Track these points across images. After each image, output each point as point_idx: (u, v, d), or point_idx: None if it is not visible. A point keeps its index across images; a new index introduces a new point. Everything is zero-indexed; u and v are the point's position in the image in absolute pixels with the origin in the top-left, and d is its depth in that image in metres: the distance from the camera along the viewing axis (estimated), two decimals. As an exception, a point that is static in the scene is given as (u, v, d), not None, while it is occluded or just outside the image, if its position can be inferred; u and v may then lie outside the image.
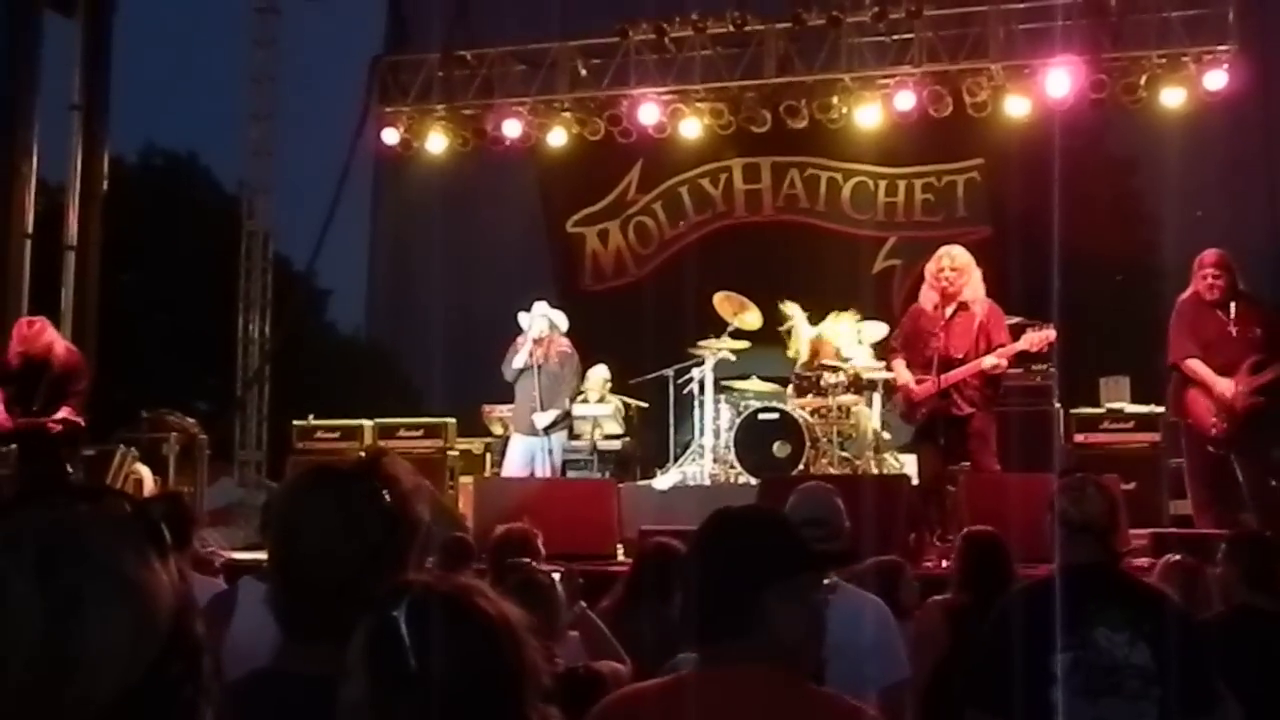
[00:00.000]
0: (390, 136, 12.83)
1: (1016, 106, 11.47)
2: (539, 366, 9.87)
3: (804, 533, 2.35)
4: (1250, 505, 7.47)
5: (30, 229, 9.59)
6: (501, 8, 13.30)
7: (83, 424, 8.66)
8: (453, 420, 11.27)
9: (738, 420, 10.00)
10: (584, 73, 12.37)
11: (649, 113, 12.07)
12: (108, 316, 10.57)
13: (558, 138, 12.61)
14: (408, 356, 16.87)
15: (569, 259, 14.02)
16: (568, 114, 12.49)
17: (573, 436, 10.69)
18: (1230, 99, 11.02)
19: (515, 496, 8.47)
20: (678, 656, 2.99)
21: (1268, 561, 4.24)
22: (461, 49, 12.67)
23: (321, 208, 12.09)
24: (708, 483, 10.17)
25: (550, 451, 10.01)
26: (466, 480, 10.75)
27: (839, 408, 9.88)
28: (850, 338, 10.21)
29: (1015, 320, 8.41)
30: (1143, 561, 6.31)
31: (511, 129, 12.50)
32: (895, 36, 11.68)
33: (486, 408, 11.57)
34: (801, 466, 9.49)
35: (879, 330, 10.24)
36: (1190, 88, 11.06)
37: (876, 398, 10.14)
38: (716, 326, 10.54)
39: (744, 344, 10.54)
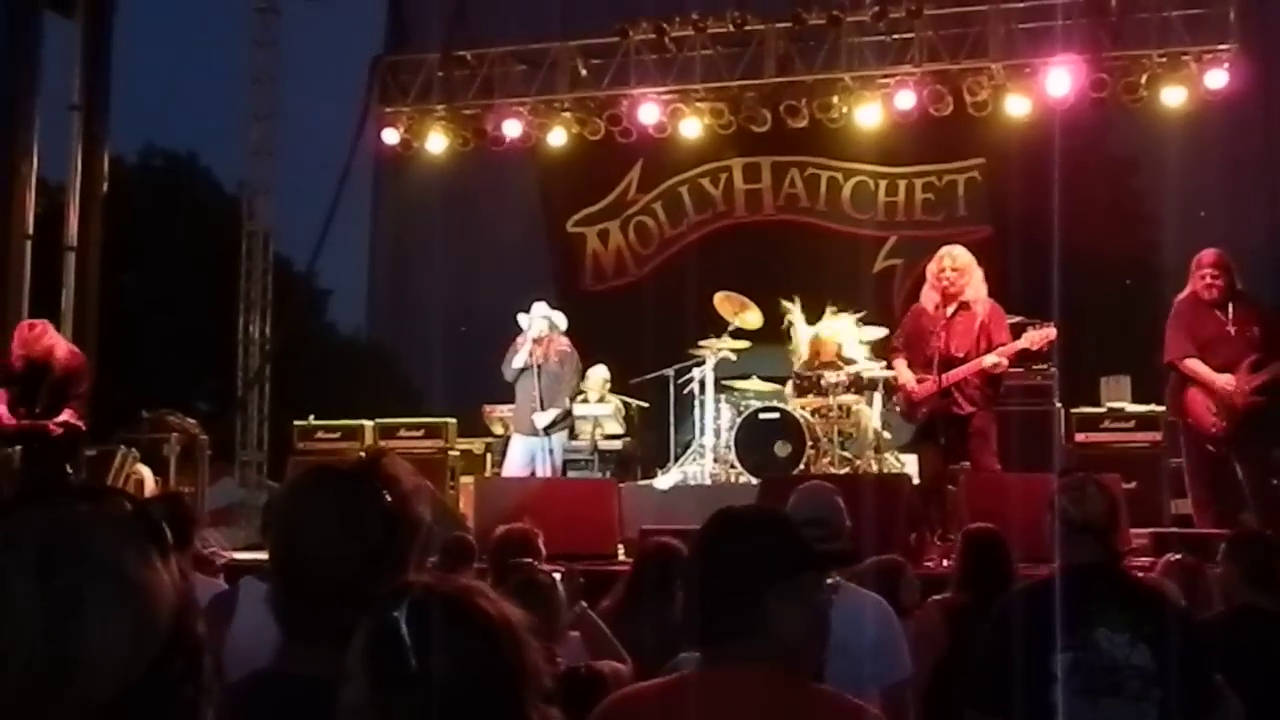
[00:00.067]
0: (390, 136, 12.83)
1: (1017, 106, 11.47)
2: (539, 366, 9.87)
3: (805, 532, 2.34)
4: (1251, 504, 7.48)
5: (30, 229, 9.59)
6: (501, 8, 13.30)
7: (83, 427, 8.66)
8: (453, 420, 11.27)
9: (738, 420, 10.00)
10: (584, 72, 12.37)
11: (649, 112, 12.07)
12: (108, 317, 10.57)
13: (558, 138, 12.61)
14: (408, 357, 16.86)
15: (569, 259, 14.02)
16: (568, 114, 12.49)
17: (573, 436, 10.69)
18: (1231, 98, 11.01)
19: (516, 496, 8.47)
20: (679, 656, 2.99)
21: (1269, 561, 4.24)
22: (461, 49, 12.67)
23: (322, 208, 12.11)
24: (708, 482, 10.17)
25: (551, 451, 10.02)
26: (467, 480, 10.75)
27: (839, 407, 9.88)
28: (850, 337, 10.21)
29: (1016, 319, 8.41)
30: (1144, 561, 6.30)
31: (512, 129, 12.50)
32: (895, 36, 11.68)
33: (487, 408, 11.57)
34: (802, 466, 9.48)
35: (876, 331, 10.24)
36: (1191, 87, 11.06)
37: (877, 397, 10.13)
38: (717, 326, 10.53)
39: (744, 344, 10.54)
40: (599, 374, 10.84)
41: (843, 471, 9.43)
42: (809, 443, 9.62)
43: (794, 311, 10.44)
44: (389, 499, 1.90)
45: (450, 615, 1.63)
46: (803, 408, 9.88)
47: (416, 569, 1.91)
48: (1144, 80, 11.14)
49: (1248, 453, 7.67)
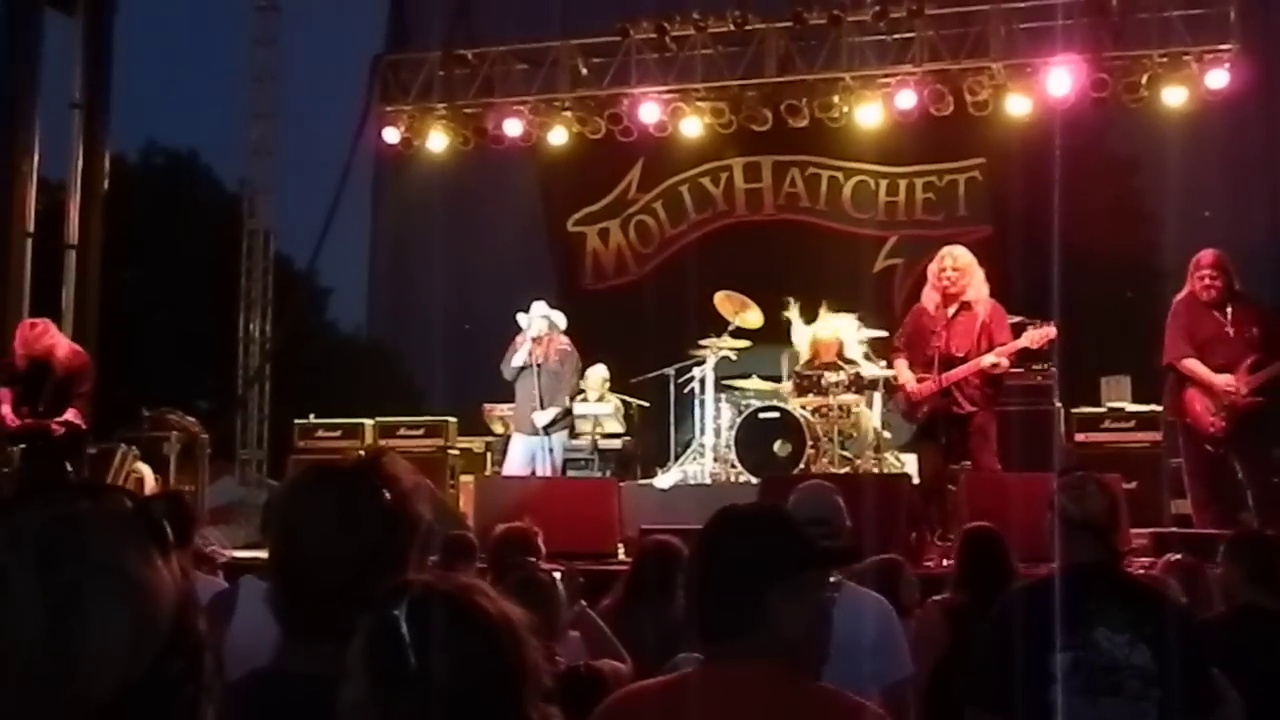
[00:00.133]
0: (391, 135, 12.83)
1: (1018, 105, 11.47)
2: (538, 365, 9.88)
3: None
4: (1252, 504, 7.48)
5: (31, 227, 9.59)
6: (502, 7, 13.30)
7: (84, 427, 8.67)
8: (453, 419, 11.28)
9: (738, 419, 10.00)
10: (585, 72, 12.37)
11: (650, 111, 12.07)
12: (108, 315, 10.57)
13: (558, 137, 12.61)
14: (408, 355, 16.86)
15: (570, 258, 14.02)
16: (568, 113, 12.49)
17: (574, 435, 10.69)
18: (1232, 98, 11.01)
19: (516, 495, 8.47)
20: (677, 657, 3.00)
21: (1271, 560, 4.24)
22: (462, 48, 12.67)
23: (322, 206, 12.10)
24: (708, 482, 10.18)
25: (551, 450, 10.02)
26: (467, 479, 10.76)
27: (840, 407, 9.88)
28: (850, 337, 10.21)
29: (1016, 319, 8.41)
30: (1144, 561, 6.30)
31: (512, 128, 12.50)
32: (896, 35, 11.68)
33: (487, 407, 11.57)
34: (802, 466, 9.48)
35: (876, 331, 10.24)
36: (1192, 87, 11.05)
37: (877, 397, 10.14)
38: (717, 325, 10.53)
39: (745, 343, 10.54)
40: (598, 373, 10.84)
41: (843, 471, 9.43)
42: (809, 442, 9.62)
43: (792, 312, 10.44)
44: (389, 497, 1.90)
45: (450, 613, 1.63)
46: (803, 407, 9.88)
47: (416, 567, 1.90)
48: (1145, 80, 11.14)
49: (1248, 452, 7.67)
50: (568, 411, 10.30)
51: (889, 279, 12.86)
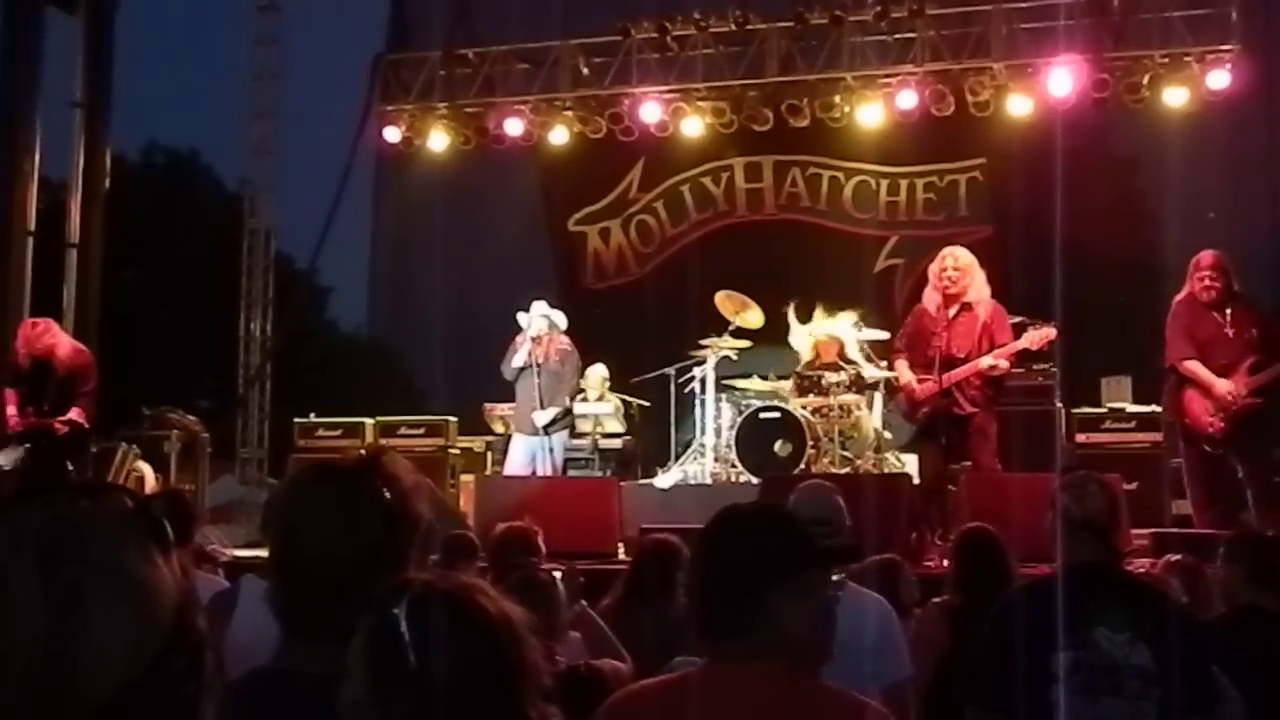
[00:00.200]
0: (392, 135, 12.83)
1: (1019, 106, 11.47)
2: (538, 365, 9.88)
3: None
4: (1253, 504, 7.47)
5: (32, 226, 9.56)
6: (503, 6, 13.30)
7: (87, 426, 8.68)
8: (454, 419, 11.28)
9: (739, 419, 10.00)
10: (586, 71, 12.37)
11: (651, 111, 12.07)
12: (109, 314, 10.55)
13: (559, 136, 12.61)
14: (409, 355, 16.87)
15: (570, 257, 14.02)
16: (569, 112, 12.49)
17: (574, 435, 10.70)
18: (1233, 99, 11.01)
19: (516, 495, 8.48)
20: (674, 660, 3.00)
21: (1272, 560, 4.24)
22: (463, 47, 12.68)
23: (323, 206, 12.09)
24: (709, 481, 10.18)
25: (551, 450, 10.02)
26: (468, 479, 10.76)
27: (840, 407, 9.88)
28: (851, 337, 10.20)
29: (1017, 320, 8.40)
30: (1144, 562, 6.30)
31: (513, 127, 12.50)
32: (897, 35, 11.69)
33: (487, 406, 11.57)
34: (803, 466, 9.48)
35: (875, 332, 10.24)
36: (1193, 87, 11.05)
37: (878, 397, 10.14)
38: (718, 325, 10.53)
39: (745, 343, 10.54)
40: (598, 372, 10.84)
41: (843, 471, 9.43)
42: (809, 442, 9.62)
43: (790, 316, 10.43)
44: (389, 497, 1.90)
45: (450, 613, 1.63)
46: (803, 407, 9.88)
47: (417, 566, 1.90)
48: (1146, 80, 11.13)
49: (1248, 453, 7.66)
50: (568, 411, 10.31)
51: (890, 279, 12.87)
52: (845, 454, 9.84)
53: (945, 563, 6.96)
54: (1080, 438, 9.70)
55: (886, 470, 9.79)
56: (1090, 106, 11.29)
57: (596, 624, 4.45)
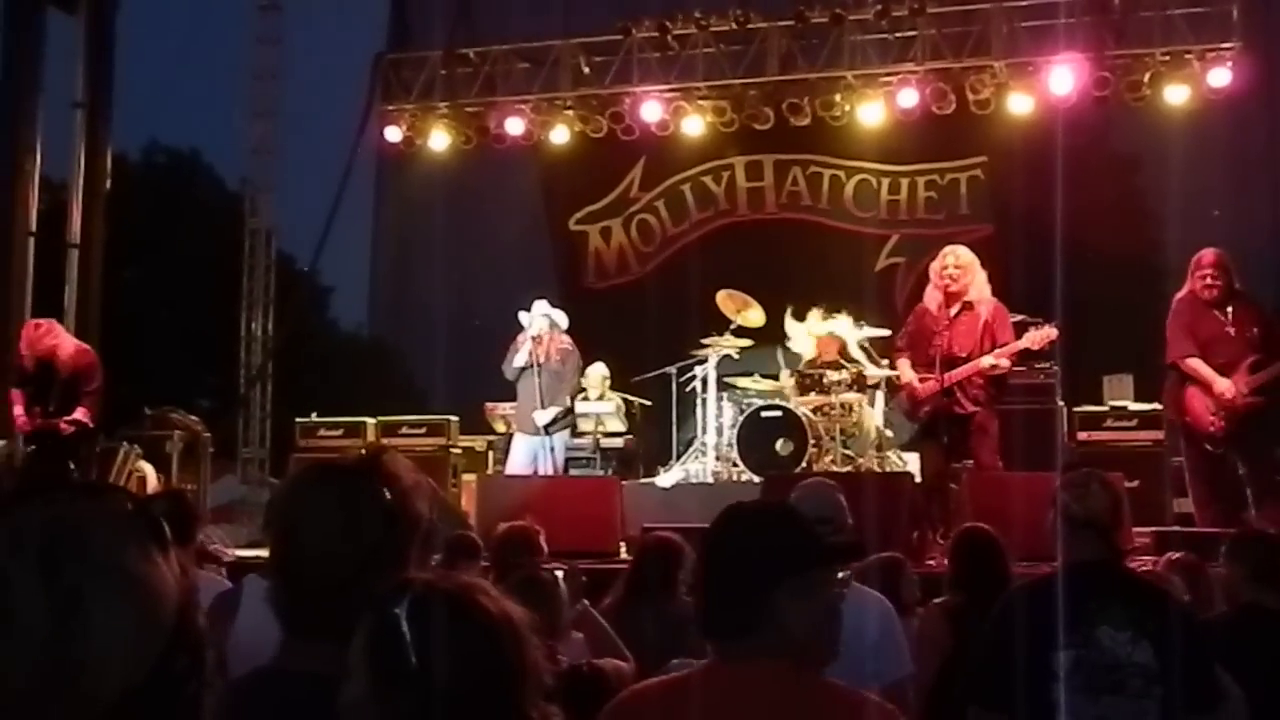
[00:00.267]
0: (393, 134, 12.84)
1: (1020, 104, 11.47)
2: (539, 365, 9.88)
3: (809, 529, 2.33)
4: (1253, 503, 7.47)
5: (33, 226, 9.59)
6: (504, 5, 13.31)
7: (92, 425, 8.70)
8: (455, 418, 11.27)
9: (740, 418, 10.00)
10: (587, 70, 12.37)
11: (651, 110, 12.07)
12: (110, 314, 10.57)
13: (560, 135, 12.62)
14: (410, 354, 16.87)
15: (571, 257, 14.02)
16: (570, 111, 12.49)
17: (576, 434, 10.70)
18: (1234, 97, 11.01)
19: (518, 494, 8.48)
20: (671, 663, 3.00)
21: (1274, 559, 4.23)
22: (464, 47, 12.68)
23: (324, 205, 12.10)
24: (710, 480, 10.18)
25: (553, 449, 10.02)
26: (469, 478, 10.75)
27: (842, 405, 9.87)
28: (851, 336, 10.20)
29: (1018, 318, 8.40)
30: (1146, 560, 6.30)
31: (514, 127, 12.50)
32: (898, 34, 11.68)
33: (489, 405, 11.57)
34: (804, 464, 9.48)
35: (876, 331, 10.24)
36: (1194, 85, 11.05)
37: (879, 395, 10.14)
38: (719, 324, 10.53)
39: (746, 342, 10.54)
40: (598, 371, 10.83)
41: (845, 470, 9.42)
42: (811, 441, 9.62)
43: (787, 318, 10.43)
44: (389, 496, 1.90)
45: (451, 612, 1.63)
46: (805, 406, 9.88)
47: (419, 566, 1.90)
48: (1147, 79, 11.13)
49: (1249, 452, 7.66)
50: (569, 410, 10.31)
51: (891, 278, 12.86)
52: (847, 452, 9.84)
53: (947, 562, 6.97)
54: (1082, 436, 9.69)
55: (888, 469, 9.79)
56: (1091, 105, 11.29)
57: (599, 623, 4.45)
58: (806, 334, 10.26)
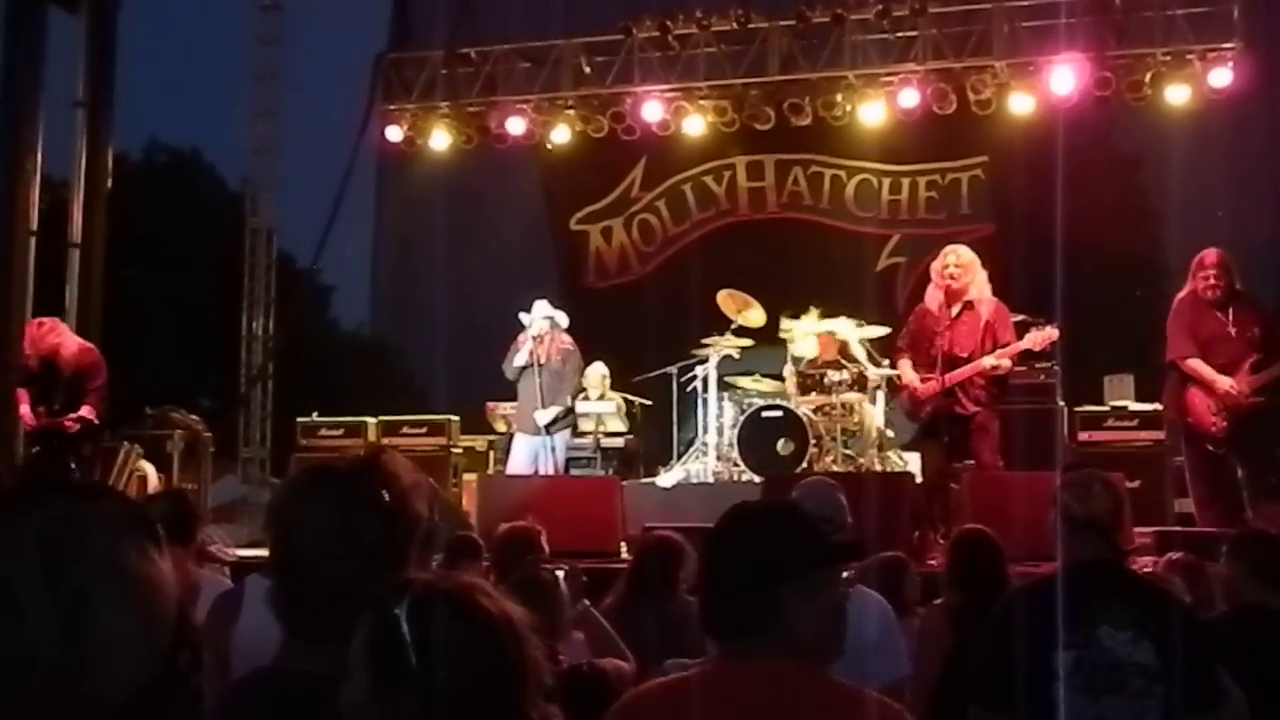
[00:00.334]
0: (394, 134, 12.84)
1: (1021, 104, 11.47)
2: (540, 365, 9.88)
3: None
4: (1250, 504, 7.47)
5: (34, 226, 9.57)
6: (505, 5, 13.32)
7: (97, 422, 8.72)
8: (456, 418, 11.28)
9: (741, 418, 10.00)
10: (588, 70, 12.37)
11: (653, 110, 12.07)
12: (111, 313, 10.55)
13: (561, 135, 12.62)
14: (411, 354, 16.87)
15: (572, 256, 14.03)
16: (571, 111, 12.49)
17: (576, 434, 10.70)
18: (1235, 97, 11.00)
19: (519, 494, 8.48)
20: (666, 664, 3.00)
21: (1275, 559, 4.23)
22: (465, 46, 12.68)
23: (325, 205, 12.09)
24: (711, 480, 10.18)
25: (554, 449, 10.02)
26: (470, 478, 10.75)
27: (843, 405, 9.87)
28: (851, 336, 10.21)
29: (1019, 318, 8.40)
30: (1147, 560, 6.30)
31: (515, 126, 12.50)
32: (899, 34, 11.68)
33: (490, 405, 11.57)
34: (805, 464, 9.48)
35: (876, 330, 10.24)
36: (1195, 85, 11.04)
37: (880, 395, 10.14)
38: (720, 324, 10.54)
39: (747, 341, 10.55)
40: (597, 371, 10.82)
41: (846, 470, 9.43)
42: (812, 441, 9.62)
43: (786, 324, 10.43)
44: (387, 496, 1.90)
45: (451, 613, 1.63)
46: (806, 405, 9.88)
47: (419, 566, 1.91)
48: (1148, 79, 11.12)
49: (1248, 452, 7.66)
50: (570, 410, 10.31)
51: (892, 278, 12.86)
52: (848, 452, 9.84)
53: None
54: (1083, 436, 9.69)
55: (889, 469, 9.79)
56: (1092, 105, 11.28)
57: (600, 623, 4.45)
58: (807, 334, 10.26)
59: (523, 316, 10.11)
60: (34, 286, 9.63)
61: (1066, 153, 9.91)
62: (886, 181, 13.10)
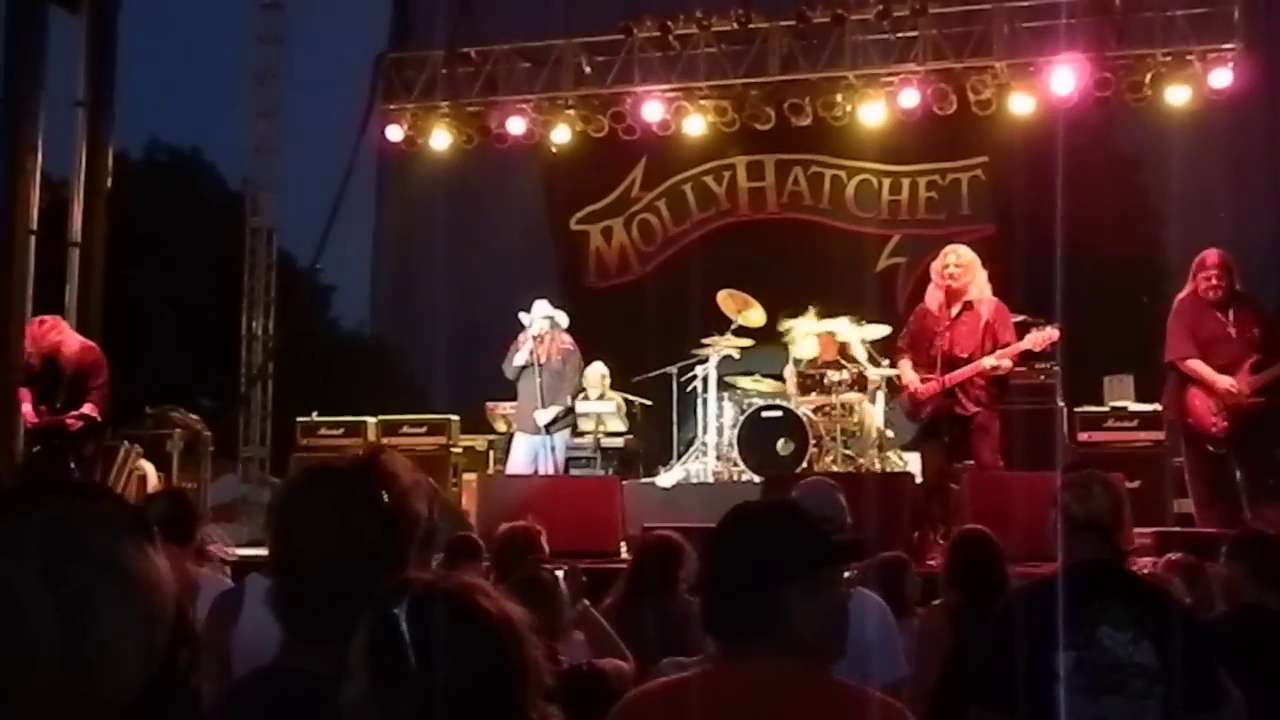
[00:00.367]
0: (394, 133, 12.84)
1: (1021, 104, 11.46)
2: (540, 364, 9.88)
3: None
4: (1248, 505, 7.47)
5: (35, 225, 9.57)
6: (506, 5, 13.31)
7: (100, 419, 8.73)
8: (456, 418, 11.27)
9: (741, 418, 10.00)
10: (588, 70, 12.37)
11: (653, 110, 12.07)
12: (112, 313, 10.55)
13: (562, 135, 12.61)
14: (411, 353, 16.88)
15: (573, 256, 14.03)
16: (572, 111, 12.49)
17: (576, 434, 10.70)
18: (1235, 97, 11.00)
19: (519, 494, 8.48)
20: (661, 662, 3.00)
21: (1275, 559, 4.23)
22: (466, 46, 12.67)
23: (325, 204, 12.09)
24: (711, 480, 10.18)
25: (553, 449, 10.02)
26: (470, 477, 10.75)
27: (842, 405, 9.88)
28: (852, 336, 10.21)
29: (1020, 319, 8.41)
30: (1146, 561, 6.30)
31: (515, 126, 12.50)
32: (899, 34, 11.68)
33: (490, 405, 11.57)
34: (805, 464, 9.48)
35: (877, 330, 10.24)
36: (1195, 86, 11.04)
37: (880, 396, 10.14)
38: (720, 324, 10.54)
39: (747, 341, 10.55)
40: (596, 370, 10.82)
41: (845, 470, 9.43)
42: (812, 441, 9.62)
43: (785, 326, 10.43)
44: (387, 496, 1.90)
45: (451, 612, 1.63)
46: (806, 405, 9.88)
47: (419, 566, 1.91)
48: (1148, 79, 11.12)
49: (1248, 453, 7.67)
50: (570, 410, 10.31)
51: (892, 278, 12.87)
52: (848, 452, 9.84)
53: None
54: (1082, 436, 9.69)
55: (889, 469, 9.79)
56: (1092, 105, 11.28)
57: (599, 623, 4.45)
58: (807, 334, 10.26)
59: (523, 316, 10.11)
60: (34, 286, 9.63)
61: (1067, 153, 9.91)
62: (887, 182, 13.10)
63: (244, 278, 14.07)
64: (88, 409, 8.59)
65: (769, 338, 10.66)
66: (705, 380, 10.52)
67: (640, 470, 11.02)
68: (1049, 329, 8.22)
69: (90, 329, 9.74)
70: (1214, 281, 7.67)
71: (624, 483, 9.36)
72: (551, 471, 9.95)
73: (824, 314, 10.28)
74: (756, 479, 9.25)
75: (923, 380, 8.14)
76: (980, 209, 12.83)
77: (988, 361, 7.96)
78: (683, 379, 10.78)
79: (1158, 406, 9.27)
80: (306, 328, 21.27)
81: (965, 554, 5.02)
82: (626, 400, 11.12)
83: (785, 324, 10.36)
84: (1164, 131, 11.57)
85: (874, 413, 10.09)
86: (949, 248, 8.39)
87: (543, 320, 10.01)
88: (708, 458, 10.43)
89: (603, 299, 13.46)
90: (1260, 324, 7.71)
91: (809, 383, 10.03)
